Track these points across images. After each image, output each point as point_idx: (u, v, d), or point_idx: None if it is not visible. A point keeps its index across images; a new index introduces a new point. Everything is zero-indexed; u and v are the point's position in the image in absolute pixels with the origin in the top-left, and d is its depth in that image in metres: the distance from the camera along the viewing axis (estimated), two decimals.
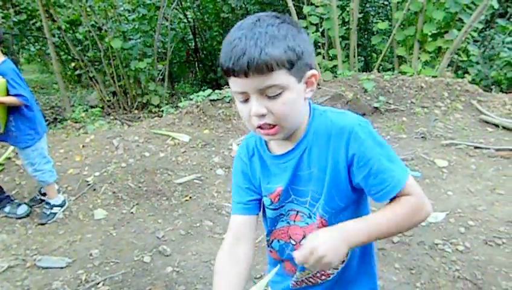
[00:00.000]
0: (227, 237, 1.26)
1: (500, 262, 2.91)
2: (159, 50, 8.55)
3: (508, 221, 3.40)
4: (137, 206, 3.83)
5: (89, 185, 4.08)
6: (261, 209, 1.33)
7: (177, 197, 3.96)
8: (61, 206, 3.70)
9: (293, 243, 1.29)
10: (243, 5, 10.50)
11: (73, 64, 8.70)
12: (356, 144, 1.09)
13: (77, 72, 8.92)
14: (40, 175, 3.52)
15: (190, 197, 3.94)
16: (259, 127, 1.07)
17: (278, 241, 1.33)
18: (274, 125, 1.06)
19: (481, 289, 2.67)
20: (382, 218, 1.07)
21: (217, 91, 5.49)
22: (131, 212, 3.75)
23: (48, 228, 3.52)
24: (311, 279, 1.31)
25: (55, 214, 3.64)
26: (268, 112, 1.03)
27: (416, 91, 6.03)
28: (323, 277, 1.29)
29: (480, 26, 7.93)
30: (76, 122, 6.27)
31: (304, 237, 1.24)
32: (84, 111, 6.30)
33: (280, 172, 1.20)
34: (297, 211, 1.24)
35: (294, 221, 1.26)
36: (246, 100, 1.06)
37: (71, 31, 8.59)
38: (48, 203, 3.67)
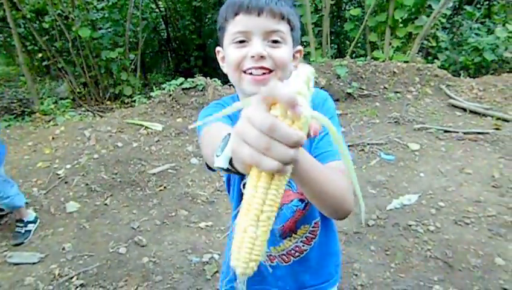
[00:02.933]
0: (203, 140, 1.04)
1: (469, 240, 3.03)
2: (131, 40, 8.35)
3: (475, 201, 3.54)
4: (111, 198, 3.77)
5: (60, 178, 3.98)
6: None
7: (152, 187, 3.91)
8: (34, 222, 3.40)
9: None
10: None
11: (40, 55, 8.39)
12: (322, 110, 1.15)
13: (45, 63, 8.61)
14: (9, 202, 3.16)
15: (165, 187, 3.90)
16: (250, 73, 1.06)
17: None
18: (268, 72, 1.06)
19: (452, 267, 2.76)
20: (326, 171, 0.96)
21: (189, 79, 5.43)
22: (105, 204, 3.68)
23: None
24: (284, 256, 1.30)
25: (30, 231, 3.32)
26: (268, 57, 1.05)
27: (388, 76, 6.11)
28: (296, 254, 1.29)
29: (449, 13, 8.08)
30: (45, 114, 6.08)
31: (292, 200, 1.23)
32: (53, 103, 6.12)
33: None
34: None
35: None
36: (242, 42, 1.06)
37: (37, 21, 8.29)
38: (20, 221, 3.33)
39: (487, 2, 10.17)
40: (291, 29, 1.09)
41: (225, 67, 1.17)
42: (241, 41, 1.06)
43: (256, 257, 0.59)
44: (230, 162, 0.68)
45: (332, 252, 1.38)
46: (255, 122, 0.56)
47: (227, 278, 1.39)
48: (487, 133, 4.72)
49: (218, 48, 1.21)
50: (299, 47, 1.18)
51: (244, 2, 1.03)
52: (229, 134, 0.72)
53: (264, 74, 1.06)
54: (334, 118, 1.16)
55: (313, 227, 1.26)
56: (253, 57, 1.04)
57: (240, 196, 1.29)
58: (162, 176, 4.06)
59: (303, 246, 1.27)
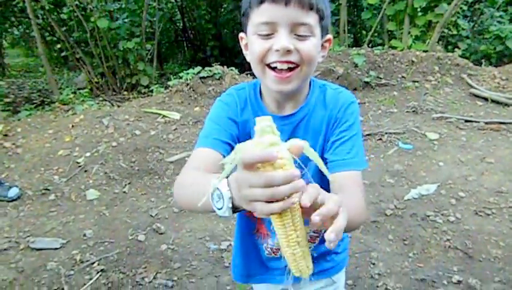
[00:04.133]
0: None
1: (489, 231, 2.98)
2: (147, 30, 8.38)
3: (497, 191, 3.47)
4: (129, 186, 3.81)
5: (79, 166, 4.04)
6: None
7: (169, 175, 3.94)
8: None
9: None
10: None
11: (58, 45, 8.48)
12: (344, 113, 1.13)
13: (63, 54, 8.71)
14: None
15: None
16: (274, 69, 1.02)
17: (248, 218, 1.31)
18: (294, 68, 1.02)
19: (472, 257, 2.72)
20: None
21: (206, 68, 5.42)
22: (124, 192, 3.72)
23: (40, 210, 3.49)
24: None
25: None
26: (295, 51, 0.99)
27: (407, 65, 6.02)
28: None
29: (470, 0, 7.90)
30: (64, 104, 6.15)
31: None
32: (72, 93, 6.19)
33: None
34: None
35: None
36: (268, 35, 1.00)
37: (56, 12, 8.37)
38: None
39: None
40: (321, 19, 1.02)
41: (248, 56, 1.12)
42: (266, 34, 1.00)
43: (309, 263, 0.76)
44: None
45: (338, 250, 1.39)
46: (253, 184, 0.67)
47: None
48: (510, 123, 4.62)
49: (241, 34, 1.15)
50: (329, 36, 1.11)
51: None
52: (217, 188, 0.77)
53: (289, 68, 1.01)
54: (355, 124, 1.13)
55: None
56: (278, 50, 0.98)
57: None
58: (180, 164, 4.08)
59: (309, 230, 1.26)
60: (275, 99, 1.16)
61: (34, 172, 3.99)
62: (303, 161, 1.17)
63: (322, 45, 1.09)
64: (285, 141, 1.14)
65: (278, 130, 1.09)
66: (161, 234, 3.14)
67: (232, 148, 1.14)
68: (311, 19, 0.99)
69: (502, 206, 3.27)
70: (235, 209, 0.76)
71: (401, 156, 4.09)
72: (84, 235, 3.15)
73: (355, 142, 1.11)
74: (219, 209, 0.78)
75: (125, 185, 3.82)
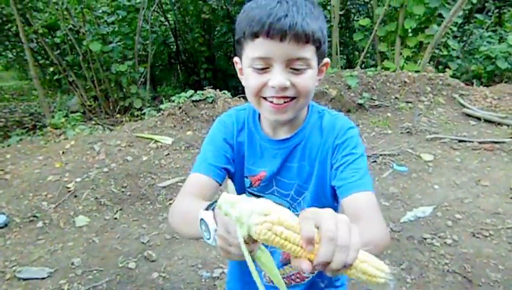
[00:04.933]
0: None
1: (488, 254, 2.92)
2: (140, 53, 8.41)
3: (493, 213, 3.43)
4: (120, 212, 3.73)
5: (69, 191, 3.96)
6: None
7: (161, 201, 3.87)
8: None
9: None
10: (224, 6, 10.42)
11: (51, 69, 8.48)
12: (343, 138, 1.09)
13: (56, 77, 8.71)
14: None
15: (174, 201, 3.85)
16: (271, 101, 1.00)
17: None
18: (291, 99, 1.00)
19: (471, 281, 2.65)
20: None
21: (199, 92, 5.40)
22: (115, 218, 3.64)
23: (28, 238, 3.39)
24: (284, 279, 1.25)
25: None
26: (291, 86, 0.97)
27: (399, 86, 6.04)
28: (297, 280, 1.25)
29: (460, 21, 8.02)
30: (56, 128, 6.10)
31: None
32: (63, 116, 6.14)
33: (269, 157, 1.15)
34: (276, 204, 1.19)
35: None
36: (263, 69, 0.98)
37: (50, 36, 8.40)
38: None
39: (497, 10, 10.08)
40: (318, 48, 0.99)
41: (243, 81, 1.10)
42: (261, 68, 0.97)
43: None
44: None
45: (337, 285, 1.34)
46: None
47: None
48: (503, 142, 4.61)
49: (235, 59, 1.13)
50: (326, 60, 1.08)
51: (266, 22, 0.92)
52: (202, 219, 0.79)
53: (285, 102, 1.00)
54: (358, 147, 1.09)
55: None
56: (274, 87, 0.96)
57: None
58: (172, 189, 4.02)
59: (303, 273, 1.23)
60: (271, 125, 1.14)
61: (23, 198, 3.90)
62: (297, 190, 1.14)
63: (319, 69, 1.06)
64: (278, 165, 1.13)
65: (273, 155, 1.10)
66: (152, 261, 3.06)
67: (228, 172, 1.17)
68: (308, 52, 0.96)
69: (499, 228, 3.22)
70: None
71: (396, 179, 4.05)
72: (72, 263, 3.05)
73: (361, 165, 1.06)
74: (207, 239, 0.78)
75: (116, 211, 3.73)
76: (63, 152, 4.59)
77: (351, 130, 1.11)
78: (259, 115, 1.19)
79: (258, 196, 1.20)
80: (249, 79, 1.02)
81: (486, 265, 2.81)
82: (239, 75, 1.14)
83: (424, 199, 3.69)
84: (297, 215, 1.18)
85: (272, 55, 0.95)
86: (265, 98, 1.01)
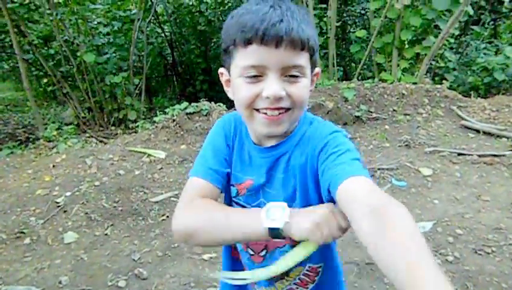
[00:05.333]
0: (188, 199, 1.04)
1: (491, 271, 2.83)
2: (136, 64, 8.35)
3: (495, 228, 3.34)
4: (111, 227, 3.61)
5: (59, 206, 3.84)
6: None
7: (154, 216, 3.76)
8: None
9: (251, 253, 1.15)
10: (220, 17, 10.41)
11: (45, 80, 8.39)
12: (323, 142, 0.98)
13: (50, 88, 8.62)
14: None
15: (167, 216, 3.74)
16: (264, 113, 0.93)
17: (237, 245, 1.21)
18: (285, 111, 0.93)
19: None
20: None
21: (193, 104, 5.31)
22: (105, 234, 3.52)
23: (14, 255, 3.27)
24: None
25: None
26: (286, 96, 0.90)
27: (397, 98, 5.98)
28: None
29: (457, 33, 8.01)
30: (49, 141, 6.00)
31: (266, 248, 1.12)
32: (56, 129, 6.04)
33: (255, 165, 1.08)
34: None
35: None
36: (255, 77, 0.90)
37: (46, 47, 8.34)
38: None
39: (493, 22, 10.12)
40: (311, 56, 0.93)
41: (230, 93, 1.02)
42: (254, 76, 0.90)
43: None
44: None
45: (335, 283, 1.25)
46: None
47: None
48: (503, 155, 4.54)
49: (221, 70, 1.06)
50: (317, 69, 1.02)
51: (260, 29, 0.85)
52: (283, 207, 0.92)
53: (280, 113, 0.92)
54: (343, 144, 0.96)
55: (307, 270, 1.14)
56: (268, 98, 0.89)
57: None
58: (165, 204, 3.91)
59: (297, 288, 1.16)
60: (256, 137, 1.08)
61: (10, 213, 3.79)
62: (289, 198, 1.05)
63: (311, 79, 1.00)
64: (264, 173, 1.07)
65: (259, 163, 1.06)
66: (143, 279, 2.94)
67: (228, 177, 1.12)
68: (303, 59, 0.90)
69: (501, 244, 3.14)
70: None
71: (395, 194, 3.96)
72: (60, 282, 2.93)
73: (347, 157, 0.92)
74: (272, 220, 0.87)
75: (107, 226, 3.62)
76: (53, 166, 4.48)
77: (334, 133, 1.00)
78: None
79: (244, 207, 1.12)
80: (240, 90, 0.94)
81: (489, 283, 2.72)
82: (225, 88, 1.07)
83: (424, 214, 3.60)
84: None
85: (266, 63, 0.88)
86: (257, 110, 0.94)
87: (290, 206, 1.02)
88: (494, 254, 3.03)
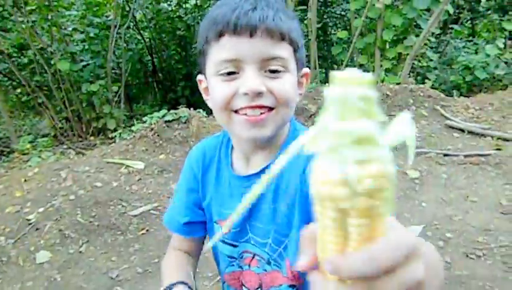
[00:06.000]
0: (169, 245, 1.15)
1: (483, 275, 2.78)
2: (115, 71, 8.14)
3: (485, 229, 3.29)
4: (87, 244, 3.43)
5: (30, 223, 3.63)
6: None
7: (133, 230, 3.59)
8: None
9: None
10: (199, 22, 10.27)
11: (19, 90, 8.11)
12: None
13: (24, 98, 8.33)
14: None
15: (147, 230, 3.58)
16: (244, 114, 0.80)
17: (229, 287, 1.06)
18: (269, 110, 0.80)
19: None
20: None
21: (172, 111, 5.12)
22: (80, 252, 3.34)
23: None
24: None
25: None
26: (267, 92, 0.78)
27: (382, 99, 5.91)
28: None
29: (437, 32, 8.03)
30: (24, 154, 5.75)
31: (260, 286, 0.97)
32: (29, 142, 5.80)
33: (238, 197, 0.93)
34: (254, 255, 0.96)
35: (250, 266, 0.98)
36: (231, 74, 0.79)
37: (21, 56, 8.07)
38: None
39: (471, 21, 10.22)
40: (295, 50, 0.82)
41: (210, 102, 0.89)
42: (230, 73, 0.79)
43: None
44: None
45: None
46: None
47: None
48: (489, 154, 4.50)
49: (199, 77, 0.93)
50: (305, 70, 0.90)
51: (231, 18, 0.76)
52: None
53: (262, 113, 0.79)
54: None
55: None
56: (246, 94, 0.77)
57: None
58: (144, 217, 3.73)
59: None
60: (243, 152, 0.93)
61: None
62: (275, 238, 0.91)
63: (298, 81, 0.88)
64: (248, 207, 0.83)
65: (241, 193, 0.86)
66: None
67: (200, 222, 1.02)
68: (284, 51, 0.79)
69: (492, 246, 3.09)
70: None
71: None
72: None
73: None
74: None
75: (82, 243, 3.44)
76: (25, 180, 4.26)
77: None
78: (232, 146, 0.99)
79: (232, 245, 0.98)
80: (215, 90, 0.82)
81: (482, 288, 2.66)
82: (204, 97, 0.94)
83: (413, 217, 3.53)
84: (276, 271, 0.95)
85: (241, 56, 0.77)
86: (236, 112, 0.81)
87: (283, 236, 0.90)
88: (485, 257, 2.97)
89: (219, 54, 0.79)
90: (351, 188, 0.34)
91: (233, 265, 1.01)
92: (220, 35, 0.78)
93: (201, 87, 0.95)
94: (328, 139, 0.36)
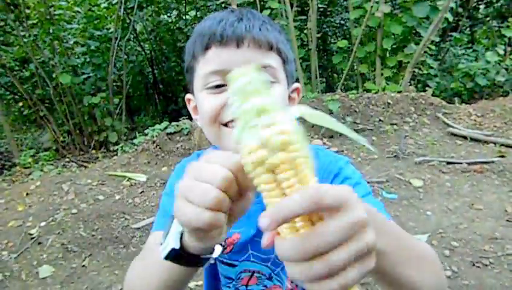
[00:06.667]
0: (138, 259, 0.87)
1: (491, 285, 2.73)
2: (116, 84, 8.15)
3: (491, 238, 3.25)
4: (89, 258, 3.39)
5: (33, 238, 3.60)
6: None
7: (136, 243, 3.56)
8: None
9: None
10: None
11: (21, 104, 8.12)
12: (334, 175, 0.89)
13: (25, 112, 8.34)
14: None
15: None
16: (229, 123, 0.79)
17: None
18: None
19: None
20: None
21: (173, 123, 5.11)
22: (83, 266, 3.30)
23: None
24: None
25: None
26: None
27: (383, 108, 5.90)
28: None
29: (437, 39, 8.05)
30: (26, 168, 5.74)
31: None
32: (30, 156, 5.78)
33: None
34: (253, 272, 0.93)
35: (247, 286, 0.95)
36: (219, 87, 0.77)
37: (23, 69, 8.10)
38: None
39: (469, 28, 10.25)
40: (284, 62, 0.80)
41: (199, 121, 0.87)
42: (218, 86, 0.77)
43: None
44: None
45: None
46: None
47: None
48: (492, 162, 4.47)
49: (188, 96, 0.91)
50: (296, 84, 0.89)
51: (217, 29, 0.75)
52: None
53: None
54: (353, 178, 0.88)
55: None
56: None
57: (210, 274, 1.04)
58: (147, 230, 3.70)
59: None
60: None
61: None
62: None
63: (289, 97, 0.86)
64: (255, 224, 0.81)
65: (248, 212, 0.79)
66: None
67: None
68: (273, 60, 0.77)
69: (499, 255, 3.04)
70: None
71: (387, 207, 3.82)
72: None
73: (363, 190, 0.86)
74: (161, 244, 0.63)
75: (85, 257, 3.40)
76: (27, 194, 4.24)
77: (340, 162, 0.90)
78: None
79: (231, 265, 0.95)
80: (203, 104, 0.80)
81: None
82: (193, 116, 0.91)
83: (417, 226, 3.48)
84: (277, 287, 0.92)
85: (228, 66, 0.73)
86: (226, 125, 0.79)
87: None
88: (492, 265, 2.93)
89: (206, 66, 0.78)
90: (267, 148, 0.43)
91: (229, 287, 0.98)
92: (207, 48, 0.77)
93: (190, 106, 0.93)
94: (240, 120, 0.46)
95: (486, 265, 2.94)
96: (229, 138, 0.79)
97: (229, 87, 0.48)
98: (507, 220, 3.47)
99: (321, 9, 9.05)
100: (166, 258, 0.62)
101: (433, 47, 7.89)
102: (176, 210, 0.53)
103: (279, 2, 6.65)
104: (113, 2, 7.62)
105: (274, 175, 0.44)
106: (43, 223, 3.78)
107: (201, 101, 0.81)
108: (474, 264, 2.95)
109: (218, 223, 0.50)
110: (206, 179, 0.49)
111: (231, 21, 0.75)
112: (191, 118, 5.42)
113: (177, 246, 0.60)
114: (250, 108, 0.45)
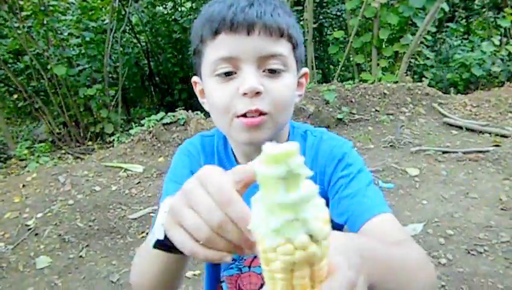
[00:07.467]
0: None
1: (485, 272, 2.76)
2: (111, 76, 8.11)
3: (486, 226, 3.28)
4: (87, 249, 3.40)
5: (29, 229, 3.61)
6: None
7: (133, 234, 3.57)
8: None
9: None
10: None
11: (15, 96, 8.08)
12: (337, 162, 0.90)
13: (20, 104, 8.30)
14: None
15: (147, 233, 3.54)
16: (244, 115, 0.77)
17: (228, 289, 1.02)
18: (262, 115, 0.77)
19: None
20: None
21: (170, 114, 5.10)
22: (80, 256, 3.32)
23: None
24: None
25: None
26: (265, 92, 0.75)
27: (379, 98, 5.91)
28: None
29: (433, 30, 8.05)
30: (21, 160, 5.72)
31: (262, 286, 0.94)
32: (27, 148, 5.77)
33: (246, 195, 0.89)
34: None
35: (250, 267, 0.96)
36: (229, 74, 0.76)
37: (18, 61, 8.05)
38: None
39: (465, 19, 10.25)
40: (294, 48, 0.80)
41: (206, 105, 0.87)
42: (227, 73, 0.76)
43: None
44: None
45: None
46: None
47: None
48: (487, 151, 4.50)
49: (194, 79, 0.91)
50: (305, 69, 0.88)
51: (227, 15, 0.73)
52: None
53: (260, 114, 0.77)
54: (350, 167, 0.89)
55: None
56: (245, 94, 0.74)
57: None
58: (144, 221, 3.72)
59: None
60: (245, 153, 0.90)
61: None
62: None
63: (298, 82, 0.86)
64: None
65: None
66: None
67: None
68: (283, 48, 0.77)
69: (493, 243, 3.07)
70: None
71: (384, 196, 3.87)
72: None
73: (365, 179, 0.88)
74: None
75: (82, 248, 3.41)
76: (23, 185, 4.24)
77: (349, 152, 0.92)
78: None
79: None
80: (213, 93, 0.79)
81: (484, 284, 2.65)
82: (200, 99, 0.91)
83: (413, 215, 3.52)
84: None
85: (238, 54, 0.74)
86: (238, 117, 0.79)
87: None
88: (486, 253, 2.97)
89: (215, 52, 0.77)
90: (313, 241, 0.39)
91: (231, 268, 0.98)
92: (216, 33, 0.75)
93: (197, 89, 0.93)
94: (276, 216, 0.39)
95: (481, 253, 2.98)
96: (237, 127, 0.79)
97: (260, 159, 0.40)
98: (501, 209, 3.51)
99: (317, 0, 9.02)
100: (155, 247, 0.64)
101: (430, 37, 7.89)
102: (166, 225, 0.55)
103: None
104: None
105: (292, 272, 0.41)
106: (39, 215, 3.78)
107: (210, 89, 0.81)
108: (469, 252, 2.98)
109: (204, 256, 0.50)
110: (199, 212, 0.48)
111: (242, 6, 0.74)
112: (187, 109, 5.43)
113: (161, 237, 0.60)
114: (291, 204, 0.39)
